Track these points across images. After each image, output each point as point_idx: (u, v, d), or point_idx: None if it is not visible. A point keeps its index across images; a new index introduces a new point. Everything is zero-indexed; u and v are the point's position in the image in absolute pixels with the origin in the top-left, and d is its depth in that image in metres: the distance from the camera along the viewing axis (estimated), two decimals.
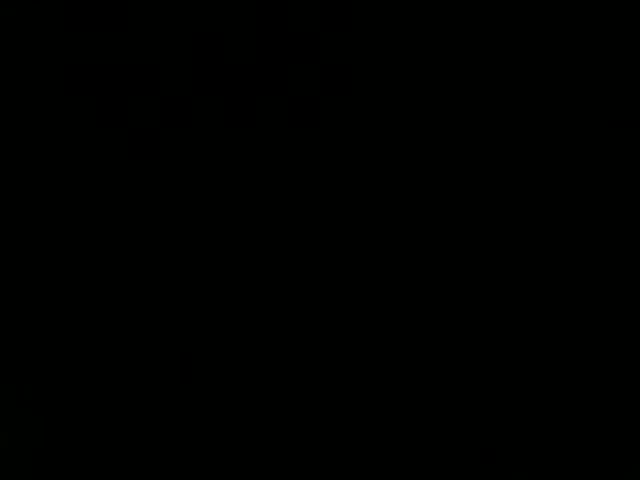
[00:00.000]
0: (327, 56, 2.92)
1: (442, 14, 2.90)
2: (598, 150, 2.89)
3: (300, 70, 2.91)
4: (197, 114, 2.93)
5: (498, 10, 2.90)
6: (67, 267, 2.92)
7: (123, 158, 2.92)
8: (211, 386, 2.89)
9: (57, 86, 2.93)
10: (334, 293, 2.90)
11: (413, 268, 2.90)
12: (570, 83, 2.90)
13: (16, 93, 2.93)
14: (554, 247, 2.89)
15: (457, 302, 2.89)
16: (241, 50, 2.92)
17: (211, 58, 2.92)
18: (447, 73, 2.91)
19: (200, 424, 2.87)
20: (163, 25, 2.92)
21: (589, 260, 2.88)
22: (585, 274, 2.88)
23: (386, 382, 2.87)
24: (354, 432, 2.86)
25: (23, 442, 2.88)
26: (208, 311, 2.90)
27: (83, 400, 2.90)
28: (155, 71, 2.91)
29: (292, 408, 2.87)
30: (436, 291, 2.90)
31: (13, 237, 2.90)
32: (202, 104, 2.93)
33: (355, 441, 2.85)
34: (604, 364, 2.85)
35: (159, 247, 2.91)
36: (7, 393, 2.89)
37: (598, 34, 2.88)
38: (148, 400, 2.89)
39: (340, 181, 2.92)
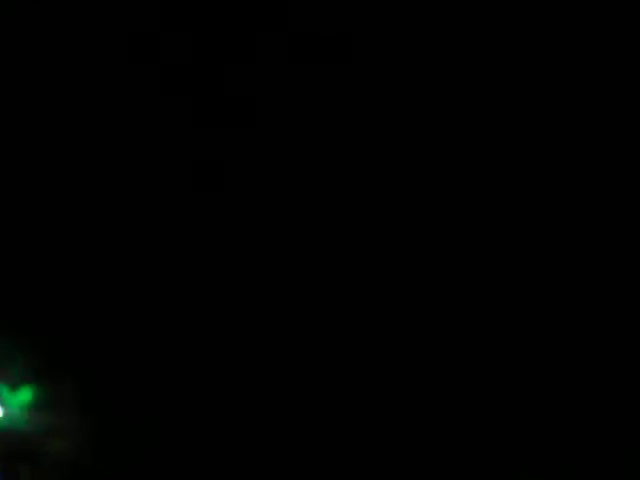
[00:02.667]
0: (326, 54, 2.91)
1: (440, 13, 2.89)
2: (598, 150, 2.89)
3: (300, 71, 2.91)
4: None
5: (497, 9, 2.89)
6: (69, 263, 2.95)
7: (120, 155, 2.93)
8: (211, 383, 2.91)
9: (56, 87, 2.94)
10: (331, 291, 2.91)
11: (411, 265, 2.91)
12: (570, 83, 2.90)
13: (16, 91, 2.94)
14: (554, 246, 2.90)
15: (457, 301, 2.90)
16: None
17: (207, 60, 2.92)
18: (445, 70, 2.91)
19: (200, 418, 2.89)
20: None
21: (589, 260, 2.89)
22: (585, 273, 2.89)
23: (386, 382, 2.89)
24: (354, 432, 2.88)
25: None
26: (208, 309, 2.92)
27: (86, 398, 2.93)
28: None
29: (292, 408, 2.89)
30: (435, 289, 2.91)
31: (13, 238, 2.92)
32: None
33: (355, 441, 2.87)
34: (604, 364, 2.86)
35: (156, 239, 2.93)
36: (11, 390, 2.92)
37: (598, 34, 2.87)
38: (149, 398, 2.92)
39: (338, 178, 2.92)
